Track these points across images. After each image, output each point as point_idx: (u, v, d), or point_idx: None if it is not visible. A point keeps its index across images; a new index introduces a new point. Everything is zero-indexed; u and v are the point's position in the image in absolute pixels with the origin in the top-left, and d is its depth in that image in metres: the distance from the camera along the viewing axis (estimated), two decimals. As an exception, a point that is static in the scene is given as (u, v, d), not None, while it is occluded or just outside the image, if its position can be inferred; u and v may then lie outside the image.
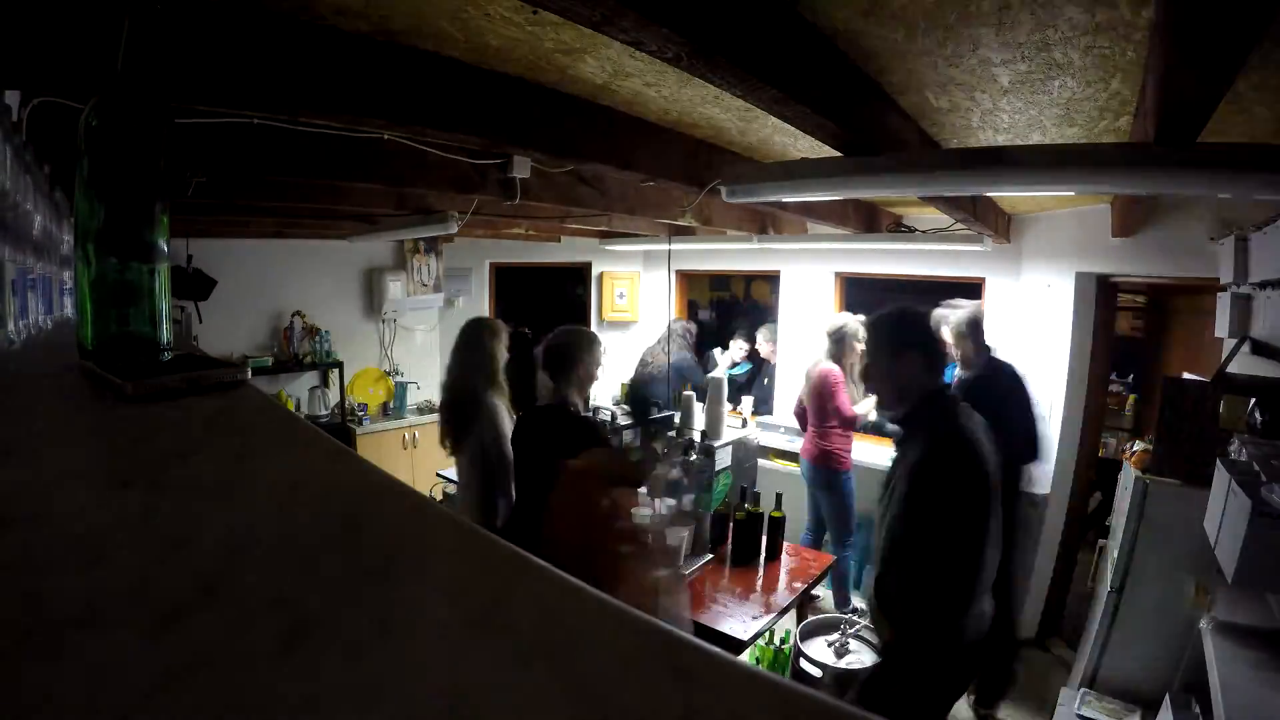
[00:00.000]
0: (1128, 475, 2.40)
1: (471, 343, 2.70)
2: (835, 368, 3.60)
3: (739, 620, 2.34)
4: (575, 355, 2.40)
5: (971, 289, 4.19)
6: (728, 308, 7.76)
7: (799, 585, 2.69)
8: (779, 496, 2.87)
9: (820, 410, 3.61)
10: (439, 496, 3.58)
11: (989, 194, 2.99)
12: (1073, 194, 2.69)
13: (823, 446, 3.63)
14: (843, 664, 2.58)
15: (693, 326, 5.13)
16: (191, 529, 0.31)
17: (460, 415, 2.64)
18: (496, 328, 2.75)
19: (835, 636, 2.70)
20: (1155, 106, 1.22)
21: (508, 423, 2.57)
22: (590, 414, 2.75)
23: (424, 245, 5.10)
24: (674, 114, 1.98)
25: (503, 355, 2.70)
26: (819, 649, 2.67)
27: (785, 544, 2.91)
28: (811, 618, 2.83)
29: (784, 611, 2.54)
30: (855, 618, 2.82)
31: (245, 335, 4.41)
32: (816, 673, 2.55)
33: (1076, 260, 3.36)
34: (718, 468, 2.88)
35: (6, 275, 0.70)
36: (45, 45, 1.01)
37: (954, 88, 1.55)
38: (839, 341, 3.62)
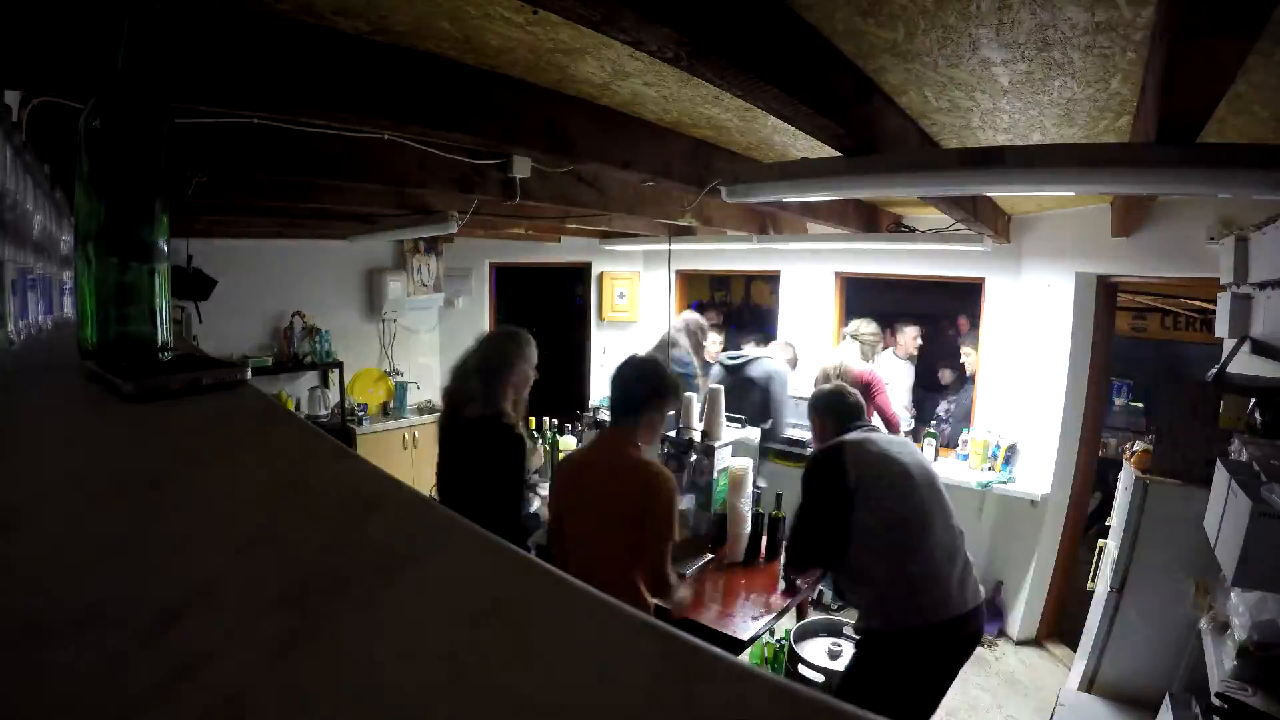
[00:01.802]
0: (1128, 475, 2.40)
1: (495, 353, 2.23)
2: (873, 371, 3.73)
3: (739, 620, 2.33)
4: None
5: (972, 289, 4.19)
6: (727, 310, 7.74)
7: (799, 585, 2.68)
8: (779, 497, 2.87)
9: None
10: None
11: (989, 194, 2.99)
12: (1073, 194, 2.69)
13: None
14: (836, 665, 2.58)
15: (704, 321, 4.39)
16: (192, 529, 0.31)
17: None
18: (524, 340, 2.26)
19: (830, 639, 2.70)
20: (1155, 106, 1.22)
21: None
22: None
23: (424, 245, 5.10)
24: (674, 114, 1.98)
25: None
26: (813, 651, 2.67)
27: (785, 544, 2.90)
28: (805, 620, 2.83)
29: (784, 612, 2.53)
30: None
31: (245, 335, 4.41)
32: (814, 676, 2.55)
33: (1076, 260, 3.36)
34: (718, 468, 2.87)
35: (6, 275, 0.70)
36: (45, 45, 1.01)
37: (954, 88, 1.55)
38: (868, 344, 3.77)
